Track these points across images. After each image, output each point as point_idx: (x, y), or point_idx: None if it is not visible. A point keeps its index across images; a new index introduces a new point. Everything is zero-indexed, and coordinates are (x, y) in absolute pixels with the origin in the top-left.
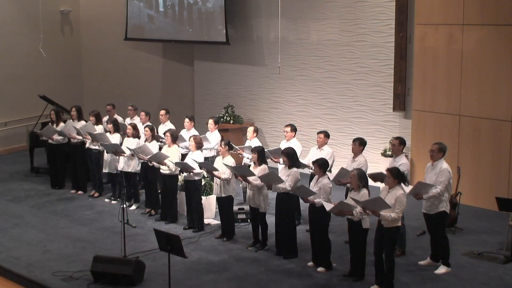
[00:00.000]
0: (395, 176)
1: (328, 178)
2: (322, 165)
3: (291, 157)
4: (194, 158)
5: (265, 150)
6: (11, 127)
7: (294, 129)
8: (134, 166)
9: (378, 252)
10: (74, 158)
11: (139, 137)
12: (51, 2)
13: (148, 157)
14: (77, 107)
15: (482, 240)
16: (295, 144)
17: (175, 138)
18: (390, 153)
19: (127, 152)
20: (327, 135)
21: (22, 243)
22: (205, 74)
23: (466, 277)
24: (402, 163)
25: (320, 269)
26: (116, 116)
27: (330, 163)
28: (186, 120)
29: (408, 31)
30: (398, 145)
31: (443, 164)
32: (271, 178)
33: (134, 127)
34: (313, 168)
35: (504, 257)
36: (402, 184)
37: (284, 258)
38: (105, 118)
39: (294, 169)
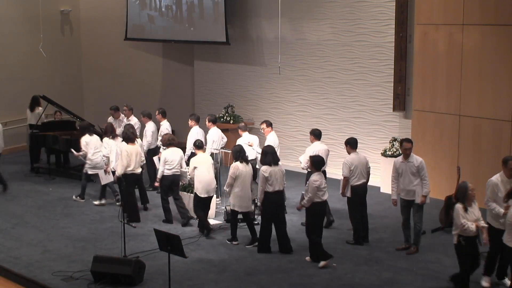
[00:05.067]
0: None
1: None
2: (313, 163)
3: (263, 154)
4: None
5: None
6: (11, 127)
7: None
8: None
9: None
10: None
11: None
12: (51, 2)
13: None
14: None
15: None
16: (270, 139)
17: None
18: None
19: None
20: (313, 134)
21: (22, 243)
22: (205, 74)
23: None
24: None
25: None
26: (121, 118)
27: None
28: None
29: (408, 31)
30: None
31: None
32: None
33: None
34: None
35: None
36: None
37: (280, 252)
38: (110, 119)
39: (263, 167)
